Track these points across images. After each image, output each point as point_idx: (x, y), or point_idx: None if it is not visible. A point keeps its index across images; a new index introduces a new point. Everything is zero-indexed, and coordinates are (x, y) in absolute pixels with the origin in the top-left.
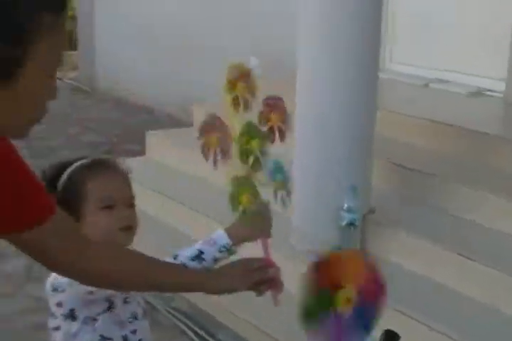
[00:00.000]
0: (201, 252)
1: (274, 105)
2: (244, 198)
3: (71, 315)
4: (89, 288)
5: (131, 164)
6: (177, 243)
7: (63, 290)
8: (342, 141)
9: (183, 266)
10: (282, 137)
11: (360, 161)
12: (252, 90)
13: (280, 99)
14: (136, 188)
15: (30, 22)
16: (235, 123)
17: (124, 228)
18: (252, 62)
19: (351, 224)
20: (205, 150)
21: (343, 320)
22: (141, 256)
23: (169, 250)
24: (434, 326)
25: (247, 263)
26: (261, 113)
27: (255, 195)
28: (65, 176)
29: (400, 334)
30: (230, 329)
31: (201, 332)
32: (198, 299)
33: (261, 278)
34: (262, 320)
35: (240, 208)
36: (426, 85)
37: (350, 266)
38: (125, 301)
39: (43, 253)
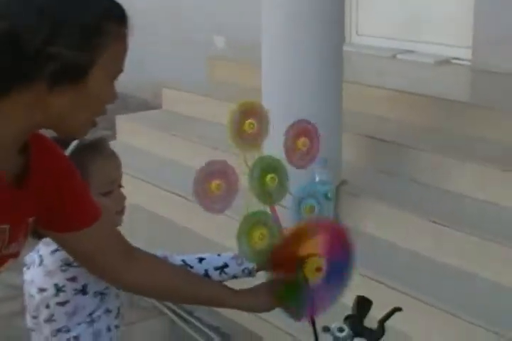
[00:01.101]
0: (226, 265)
1: (302, 129)
2: (257, 236)
3: (82, 290)
4: None
5: None
6: (152, 224)
7: (78, 265)
8: (310, 116)
9: (215, 281)
10: (311, 160)
11: (330, 135)
12: (263, 124)
13: (308, 122)
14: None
15: (100, 31)
16: (246, 160)
17: (120, 211)
18: (217, 41)
19: (325, 196)
20: (200, 197)
21: (318, 286)
22: (180, 270)
23: (142, 230)
24: (411, 293)
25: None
26: (287, 139)
27: (271, 229)
28: None
29: (378, 304)
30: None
31: (179, 311)
32: None
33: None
34: None
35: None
36: (393, 56)
37: (305, 236)
38: None
39: (83, 255)
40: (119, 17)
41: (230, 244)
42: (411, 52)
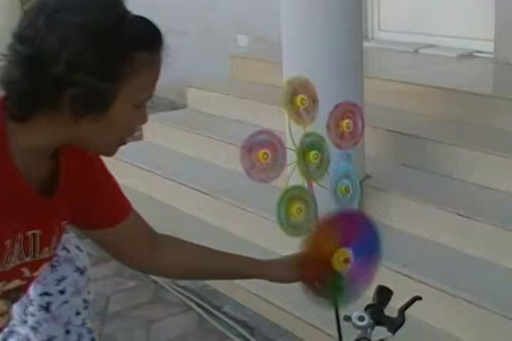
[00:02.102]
0: None
1: (345, 111)
2: (294, 209)
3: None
4: None
5: (131, 149)
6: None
7: None
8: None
9: (238, 255)
10: (354, 143)
11: None
12: (313, 104)
13: (354, 105)
14: (138, 171)
15: (127, 60)
16: (293, 135)
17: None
18: (241, 40)
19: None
20: (246, 165)
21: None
22: (202, 249)
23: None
24: (436, 285)
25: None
26: (330, 119)
27: (307, 205)
28: None
29: (404, 296)
30: (236, 301)
31: (207, 306)
32: None
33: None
34: (267, 290)
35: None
36: (416, 51)
37: (328, 231)
38: None
39: (116, 247)
40: (152, 45)
41: (254, 239)
42: (433, 46)
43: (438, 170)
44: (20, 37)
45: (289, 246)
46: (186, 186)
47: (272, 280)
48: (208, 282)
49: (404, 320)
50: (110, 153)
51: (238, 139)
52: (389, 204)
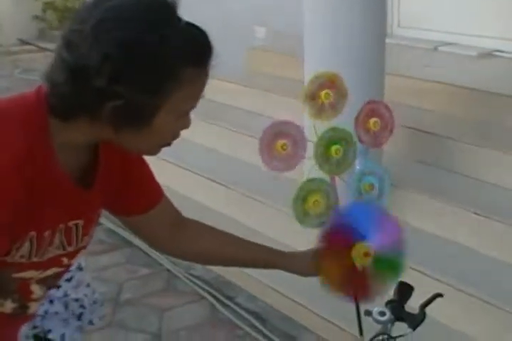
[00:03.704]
0: None
1: (375, 109)
2: (311, 201)
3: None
4: None
5: None
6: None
7: None
8: (351, 107)
9: (263, 245)
10: (378, 143)
11: None
12: (338, 100)
13: (383, 104)
14: (153, 160)
15: (172, 76)
16: (316, 129)
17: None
18: (258, 32)
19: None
20: (265, 155)
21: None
22: (225, 234)
23: None
24: (451, 283)
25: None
26: (359, 114)
27: (326, 199)
28: None
29: (418, 293)
30: (248, 292)
31: (220, 297)
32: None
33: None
34: (280, 282)
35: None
36: (435, 49)
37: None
38: None
39: (146, 231)
40: (199, 60)
41: (267, 231)
42: (453, 44)
43: (455, 168)
44: (67, 41)
45: (302, 239)
46: (200, 176)
47: (292, 272)
48: (222, 273)
49: (425, 317)
50: (152, 154)
51: (253, 131)
52: (405, 201)
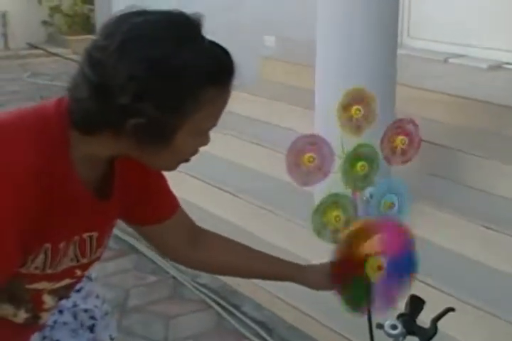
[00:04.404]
0: None
1: (403, 127)
2: (332, 215)
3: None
4: None
5: None
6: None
7: None
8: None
9: (280, 259)
10: (404, 160)
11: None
12: (367, 116)
13: (412, 122)
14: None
15: (192, 96)
16: (343, 143)
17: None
18: (267, 41)
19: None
20: (292, 169)
21: (380, 284)
22: (241, 246)
23: None
24: (459, 296)
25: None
26: (386, 133)
27: (346, 213)
28: None
29: (428, 307)
30: (255, 301)
31: (226, 305)
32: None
33: None
34: (287, 291)
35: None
36: (445, 60)
37: (366, 235)
38: None
39: (160, 240)
40: (221, 81)
41: (276, 241)
42: (463, 56)
43: (465, 180)
44: (91, 59)
45: (313, 249)
46: (210, 185)
47: (309, 286)
48: (228, 281)
49: (436, 331)
50: (170, 170)
51: (263, 140)
52: (414, 213)
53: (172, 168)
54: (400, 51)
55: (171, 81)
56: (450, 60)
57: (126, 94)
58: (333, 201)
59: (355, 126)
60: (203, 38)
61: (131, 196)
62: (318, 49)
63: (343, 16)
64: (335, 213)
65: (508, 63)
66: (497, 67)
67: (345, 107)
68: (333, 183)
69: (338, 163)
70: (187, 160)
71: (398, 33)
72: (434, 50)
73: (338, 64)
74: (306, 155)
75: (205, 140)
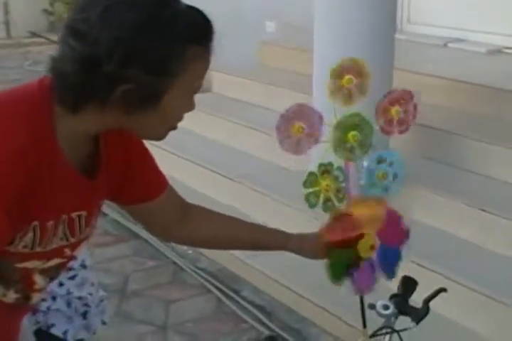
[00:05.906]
0: None
1: (398, 98)
2: (323, 185)
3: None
4: None
5: None
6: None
7: None
8: (360, 103)
9: (269, 227)
10: (402, 130)
11: None
12: (360, 87)
13: (408, 92)
14: (159, 152)
15: (177, 55)
16: (336, 112)
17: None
18: (268, 27)
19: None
20: (281, 137)
21: (367, 265)
22: (230, 219)
23: None
24: (457, 279)
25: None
26: (379, 104)
27: (337, 183)
28: None
29: (424, 289)
30: (254, 285)
31: (226, 290)
32: (223, 258)
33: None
34: (285, 275)
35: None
36: (445, 45)
37: (368, 213)
38: None
39: (149, 218)
40: (203, 38)
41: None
42: (463, 40)
43: (463, 164)
44: (75, 31)
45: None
46: (206, 169)
47: (301, 254)
48: (227, 265)
49: (428, 311)
50: (160, 138)
51: (262, 125)
52: (412, 197)
53: (161, 135)
54: (400, 36)
55: (156, 41)
56: (449, 45)
57: (114, 61)
58: (323, 170)
59: (346, 95)
60: (179, 2)
61: (118, 174)
62: (315, 34)
63: (339, 1)
64: (325, 182)
65: (507, 47)
66: (496, 51)
67: (338, 74)
68: (325, 153)
69: (328, 132)
70: (174, 127)
71: (398, 19)
72: (433, 34)
73: (335, 48)
74: (295, 125)
75: (191, 105)
